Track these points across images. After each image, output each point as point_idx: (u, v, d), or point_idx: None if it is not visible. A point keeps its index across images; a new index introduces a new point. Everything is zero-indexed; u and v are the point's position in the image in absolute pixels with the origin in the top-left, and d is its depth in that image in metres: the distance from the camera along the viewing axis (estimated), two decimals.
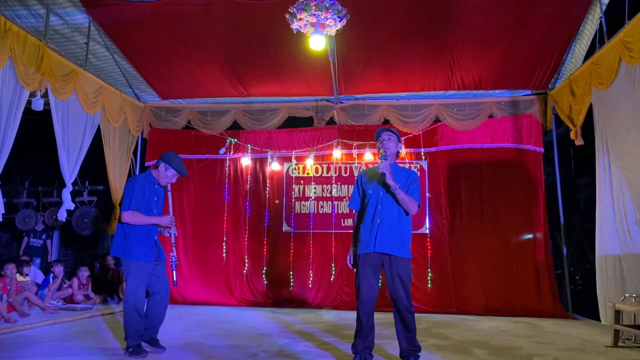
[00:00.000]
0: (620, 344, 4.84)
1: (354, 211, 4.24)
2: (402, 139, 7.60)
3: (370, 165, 6.97)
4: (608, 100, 5.95)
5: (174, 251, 4.56)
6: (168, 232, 4.54)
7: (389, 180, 3.78)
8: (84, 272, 7.57)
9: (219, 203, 8.23)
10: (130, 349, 4.17)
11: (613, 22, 5.60)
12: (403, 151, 7.87)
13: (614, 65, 5.35)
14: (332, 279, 7.75)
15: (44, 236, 8.87)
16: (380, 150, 3.98)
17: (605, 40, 5.64)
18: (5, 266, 6.28)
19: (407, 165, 7.82)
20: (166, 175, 4.44)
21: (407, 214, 3.93)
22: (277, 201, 8.18)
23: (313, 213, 8.04)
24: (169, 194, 4.68)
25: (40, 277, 7.58)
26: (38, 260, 8.58)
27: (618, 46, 5.25)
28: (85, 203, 8.83)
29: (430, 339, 5.13)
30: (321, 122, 8.22)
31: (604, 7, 5.77)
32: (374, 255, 3.87)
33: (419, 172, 7.82)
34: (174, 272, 4.58)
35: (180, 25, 6.42)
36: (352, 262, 4.11)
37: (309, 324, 6.04)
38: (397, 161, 4.21)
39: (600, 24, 5.83)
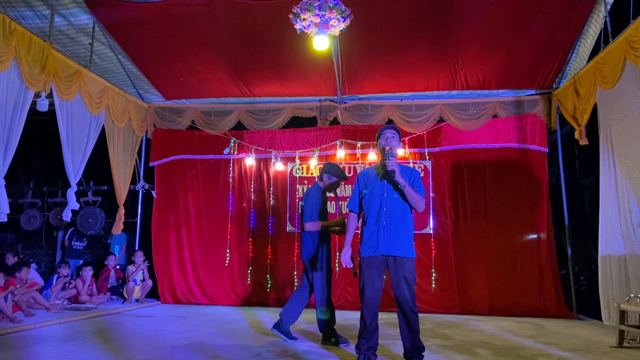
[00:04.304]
0: (625, 344, 4.83)
1: (349, 212, 4.13)
2: (406, 139, 7.79)
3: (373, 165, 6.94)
4: (613, 100, 5.93)
5: None
6: (333, 230, 5.08)
7: (399, 178, 3.71)
8: (88, 272, 7.59)
9: (223, 203, 8.25)
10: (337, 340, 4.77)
11: (618, 21, 5.58)
12: (407, 151, 7.88)
13: (618, 64, 5.32)
14: (335, 279, 7.74)
15: (84, 239, 8.78)
16: (387, 148, 3.85)
17: (610, 40, 5.62)
18: (21, 269, 6.33)
19: (410, 165, 7.81)
20: (332, 183, 5.07)
21: (411, 211, 3.90)
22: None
23: None
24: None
25: (39, 281, 7.57)
26: (81, 262, 8.25)
27: (623, 46, 5.23)
28: (89, 203, 8.85)
29: (434, 339, 5.12)
30: (325, 122, 8.22)
31: (608, 7, 5.75)
32: (379, 257, 3.84)
33: (422, 172, 7.83)
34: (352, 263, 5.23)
35: (183, 25, 6.44)
36: (350, 264, 4.03)
37: (312, 324, 6.03)
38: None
39: (605, 23, 5.81)
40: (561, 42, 6.55)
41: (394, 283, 3.82)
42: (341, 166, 7.98)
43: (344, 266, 4.11)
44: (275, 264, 8.01)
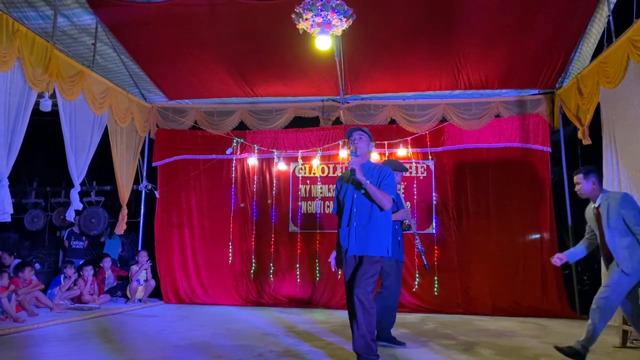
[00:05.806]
0: (628, 344, 4.82)
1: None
2: (409, 138, 7.79)
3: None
4: (616, 99, 5.91)
5: (417, 239, 5.24)
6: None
7: (359, 176, 3.72)
8: (89, 271, 7.59)
9: (226, 203, 8.26)
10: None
11: (621, 21, 5.57)
12: (410, 150, 7.88)
13: (622, 64, 5.31)
14: (338, 279, 7.74)
15: (83, 238, 8.75)
16: (352, 148, 3.94)
17: (613, 39, 5.60)
18: (23, 268, 6.36)
19: (413, 165, 7.81)
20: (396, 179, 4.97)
21: (381, 209, 3.85)
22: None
23: (319, 213, 8.04)
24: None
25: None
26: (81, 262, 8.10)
27: (626, 45, 5.21)
28: (92, 203, 8.86)
29: (437, 339, 5.12)
30: (327, 122, 8.22)
31: (611, 6, 5.73)
32: (351, 259, 3.85)
33: (425, 172, 7.82)
34: (423, 257, 5.16)
35: (186, 25, 6.45)
36: (335, 266, 4.14)
37: (315, 324, 6.04)
38: (371, 160, 4.19)
39: (608, 22, 5.80)
40: (564, 41, 6.53)
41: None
42: (343, 166, 8.06)
43: (332, 269, 4.17)
44: (278, 264, 8.01)
